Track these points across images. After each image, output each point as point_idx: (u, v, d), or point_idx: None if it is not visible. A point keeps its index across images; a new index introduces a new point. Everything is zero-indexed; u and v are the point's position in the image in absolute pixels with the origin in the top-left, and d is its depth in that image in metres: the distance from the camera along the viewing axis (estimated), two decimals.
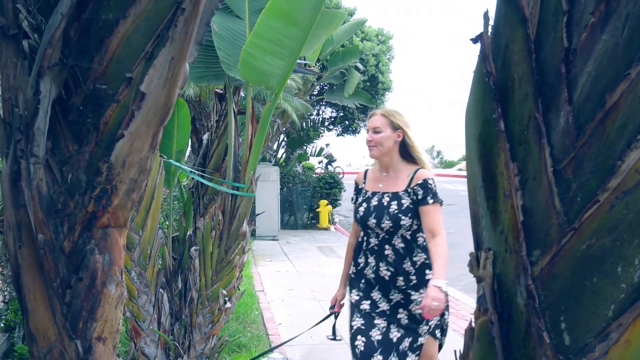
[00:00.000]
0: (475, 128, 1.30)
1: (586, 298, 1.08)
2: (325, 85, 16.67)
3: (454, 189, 24.54)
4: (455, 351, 1.36)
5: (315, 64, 13.99)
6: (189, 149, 7.28)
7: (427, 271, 3.40)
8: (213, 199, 5.54)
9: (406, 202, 3.42)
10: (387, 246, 3.46)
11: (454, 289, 8.71)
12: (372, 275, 3.49)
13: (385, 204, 3.45)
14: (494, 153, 1.22)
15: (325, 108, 18.63)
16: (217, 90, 5.63)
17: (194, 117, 7.01)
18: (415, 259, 3.44)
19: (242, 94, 5.64)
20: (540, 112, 1.17)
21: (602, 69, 1.09)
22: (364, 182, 3.69)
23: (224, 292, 4.86)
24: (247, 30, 4.91)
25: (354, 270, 3.62)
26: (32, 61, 1.38)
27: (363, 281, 3.55)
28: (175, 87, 1.40)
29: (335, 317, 3.82)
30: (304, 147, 18.86)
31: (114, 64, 1.37)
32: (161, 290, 4.84)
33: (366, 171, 3.78)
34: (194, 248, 4.93)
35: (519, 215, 1.16)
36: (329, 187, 16.87)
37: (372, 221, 3.46)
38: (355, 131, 18.99)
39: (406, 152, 3.55)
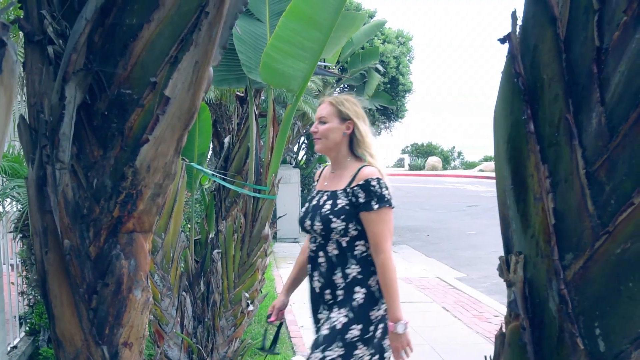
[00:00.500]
0: (504, 130, 1.28)
1: (621, 303, 1.05)
2: (346, 87, 16.66)
3: (475, 189, 24.41)
4: (485, 357, 1.33)
5: (335, 66, 13.98)
6: (210, 152, 7.30)
7: (357, 288, 2.82)
8: (235, 201, 5.54)
9: (342, 202, 2.85)
10: (321, 253, 2.93)
11: (476, 291, 8.65)
12: (310, 287, 3.02)
13: (321, 203, 2.93)
14: (524, 155, 1.20)
15: None
16: (238, 93, 5.64)
17: (215, 120, 7.03)
18: (347, 271, 2.85)
19: (263, 96, 5.64)
20: (572, 113, 1.14)
21: (635, 69, 1.06)
22: (317, 181, 3.20)
23: (247, 295, 4.86)
24: (267, 33, 4.91)
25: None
26: (57, 67, 1.38)
27: (311, 297, 3.06)
28: (199, 91, 1.40)
29: (279, 328, 3.40)
30: None
31: (138, 69, 1.37)
32: (184, 293, 4.86)
33: (324, 168, 3.23)
34: (216, 251, 4.94)
35: (551, 219, 1.14)
36: None
37: (307, 222, 2.96)
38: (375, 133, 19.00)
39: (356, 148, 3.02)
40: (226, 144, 5.73)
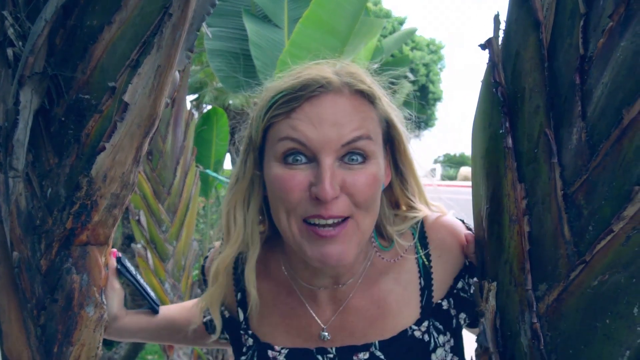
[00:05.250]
0: (482, 144, 1.17)
1: (597, 341, 0.94)
2: None
3: None
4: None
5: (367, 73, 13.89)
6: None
7: None
8: None
9: (440, 355, 1.33)
10: None
11: None
12: None
13: None
14: (501, 172, 1.09)
15: None
16: (256, 100, 5.59)
17: (234, 127, 6.99)
18: None
19: None
20: (552, 128, 1.03)
21: (619, 80, 0.94)
22: (241, 310, 1.45)
23: None
24: (285, 40, 4.85)
25: None
26: (16, 70, 1.32)
27: None
28: (161, 97, 1.31)
29: None
30: None
31: (98, 73, 1.29)
32: None
33: (238, 268, 1.46)
34: None
35: (525, 244, 1.03)
36: None
37: None
38: None
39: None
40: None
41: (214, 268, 1.37)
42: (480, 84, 1.20)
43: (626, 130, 0.92)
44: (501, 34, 1.18)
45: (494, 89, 1.13)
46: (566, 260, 0.97)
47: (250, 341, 1.40)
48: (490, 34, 1.18)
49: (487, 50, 1.18)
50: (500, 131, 1.10)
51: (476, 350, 1.11)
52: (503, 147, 1.09)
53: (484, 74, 1.18)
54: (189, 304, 1.70)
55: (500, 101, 1.11)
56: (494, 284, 1.09)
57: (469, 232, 1.31)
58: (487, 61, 1.17)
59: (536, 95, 1.06)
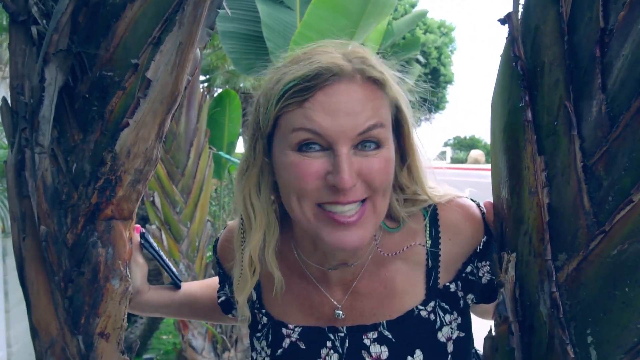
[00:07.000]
0: (501, 118, 1.19)
1: (616, 309, 0.95)
2: None
3: None
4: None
5: (376, 56, 13.82)
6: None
7: None
8: None
9: (447, 330, 1.34)
10: None
11: None
12: None
13: None
14: (520, 145, 1.11)
15: None
16: (262, 83, 5.60)
17: (246, 109, 7.02)
18: None
19: None
20: (572, 101, 1.04)
21: None
22: (254, 291, 1.49)
23: None
24: (297, 21, 4.84)
25: None
26: (40, 48, 1.34)
27: None
28: (183, 74, 1.33)
29: None
30: None
31: (121, 50, 1.31)
32: None
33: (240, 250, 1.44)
34: None
35: (545, 215, 1.04)
36: None
37: None
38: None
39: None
40: None
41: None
42: (500, 58, 1.21)
43: None
44: (520, 8, 1.19)
45: (514, 63, 1.14)
46: (586, 231, 0.99)
47: (265, 319, 1.45)
48: (508, 10, 1.18)
49: (505, 26, 1.19)
50: (520, 105, 1.11)
51: (495, 319, 1.13)
52: (523, 121, 1.10)
53: (504, 48, 1.19)
54: (211, 281, 1.75)
55: (520, 75, 1.12)
56: (514, 255, 1.11)
57: (488, 200, 1.32)
58: (506, 36, 1.18)
59: (556, 69, 1.07)
